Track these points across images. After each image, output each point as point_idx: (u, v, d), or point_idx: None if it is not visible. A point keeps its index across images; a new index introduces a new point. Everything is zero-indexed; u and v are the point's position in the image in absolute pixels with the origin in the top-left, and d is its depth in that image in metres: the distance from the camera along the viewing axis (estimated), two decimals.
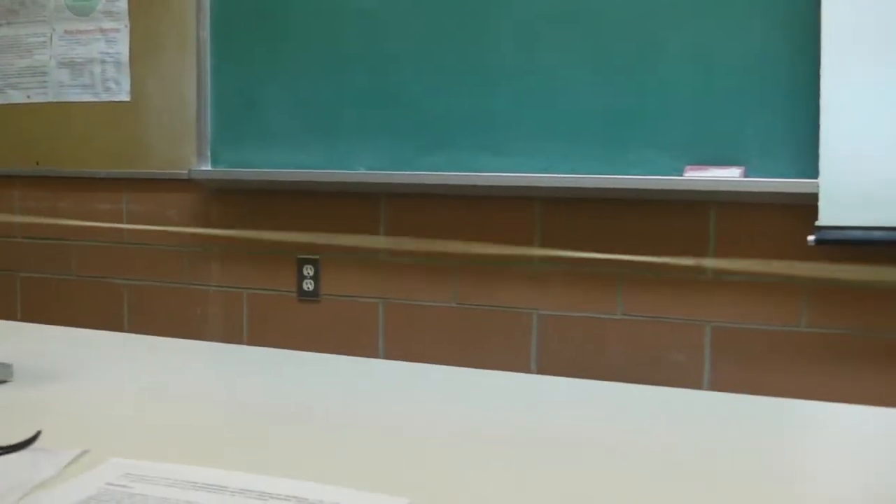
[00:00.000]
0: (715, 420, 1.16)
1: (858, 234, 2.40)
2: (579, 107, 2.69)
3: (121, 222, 3.35)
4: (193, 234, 3.27)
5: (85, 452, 0.96)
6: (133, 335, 1.68)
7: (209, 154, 3.14)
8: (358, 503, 0.84)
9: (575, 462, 0.98)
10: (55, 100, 3.38)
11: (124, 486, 0.87)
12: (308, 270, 3.14)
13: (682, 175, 2.58)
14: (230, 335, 3.24)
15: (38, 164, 3.43)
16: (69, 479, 0.89)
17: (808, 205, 2.43)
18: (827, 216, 2.41)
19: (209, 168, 3.15)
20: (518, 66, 2.75)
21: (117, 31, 3.27)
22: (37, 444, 0.98)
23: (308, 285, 3.15)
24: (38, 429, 1.01)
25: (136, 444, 1.01)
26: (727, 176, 2.53)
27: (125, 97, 3.29)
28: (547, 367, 2.86)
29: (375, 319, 3.07)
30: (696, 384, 2.71)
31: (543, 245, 2.83)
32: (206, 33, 3.11)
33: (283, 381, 1.35)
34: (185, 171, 3.18)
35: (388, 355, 3.05)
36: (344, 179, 2.96)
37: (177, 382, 1.33)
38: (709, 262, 2.67)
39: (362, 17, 2.92)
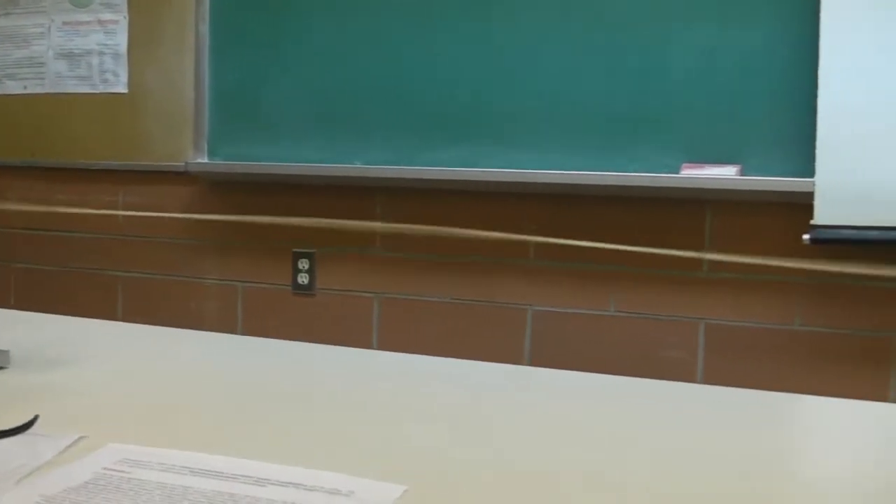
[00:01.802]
0: (707, 412, 1.17)
1: (853, 233, 2.41)
2: (578, 104, 2.69)
3: (116, 214, 3.35)
4: (189, 227, 3.27)
5: (82, 438, 0.96)
6: (130, 324, 1.69)
7: (206, 147, 3.14)
8: (355, 489, 0.84)
9: (566, 451, 0.99)
10: (52, 91, 3.38)
11: (121, 472, 0.87)
12: (303, 264, 3.14)
13: (678, 173, 2.58)
14: (225, 328, 3.24)
15: (33, 155, 3.43)
16: (66, 464, 0.89)
17: (803, 203, 2.44)
18: (822, 215, 2.42)
19: (206, 161, 3.15)
20: (518, 63, 2.75)
21: (116, 22, 3.27)
22: (34, 428, 0.99)
23: (303, 279, 3.15)
24: (36, 414, 1.01)
25: (134, 430, 1.01)
26: (723, 174, 2.54)
27: (122, 89, 3.29)
28: (540, 362, 2.86)
29: (370, 314, 3.07)
30: (689, 381, 2.72)
31: (539, 241, 2.84)
32: (206, 27, 3.11)
33: (280, 369, 1.35)
34: (182, 164, 3.18)
35: (383, 349, 3.05)
36: (341, 174, 2.96)
37: (174, 370, 1.33)
38: (704, 260, 2.68)
39: (362, 11, 2.92)
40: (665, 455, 0.99)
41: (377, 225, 3.04)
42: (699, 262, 2.68)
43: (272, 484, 0.84)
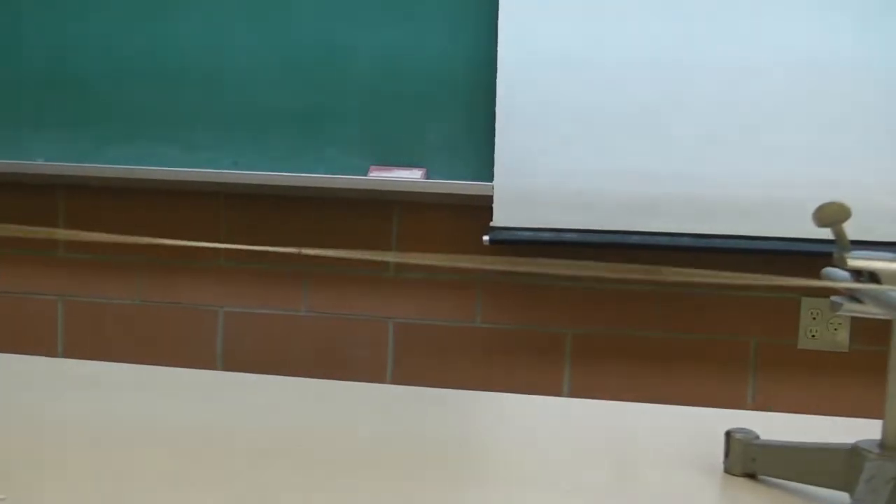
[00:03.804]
0: (400, 411, 1.20)
1: (528, 234, 2.54)
2: (267, 104, 2.68)
3: None
4: None
5: None
6: None
7: None
8: None
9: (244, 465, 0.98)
10: None
11: None
12: None
13: (366, 175, 2.63)
14: None
15: None
16: None
17: (484, 206, 2.55)
18: (500, 217, 2.55)
19: None
20: (205, 61, 2.70)
21: None
22: None
23: None
24: None
25: None
26: (409, 177, 2.61)
27: None
28: (232, 365, 2.83)
29: (54, 317, 2.92)
30: (379, 379, 2.78)
31: (229, 241, 2.80)
32: None
33: None
34: None
35: (67, 354, 2.92)
36: (18, 171, 2.79)
37: None
38: (391, 260, 2.74)
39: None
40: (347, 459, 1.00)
41: (59, 233, 2.89)
42: (386, 263, 2.74)
43: None
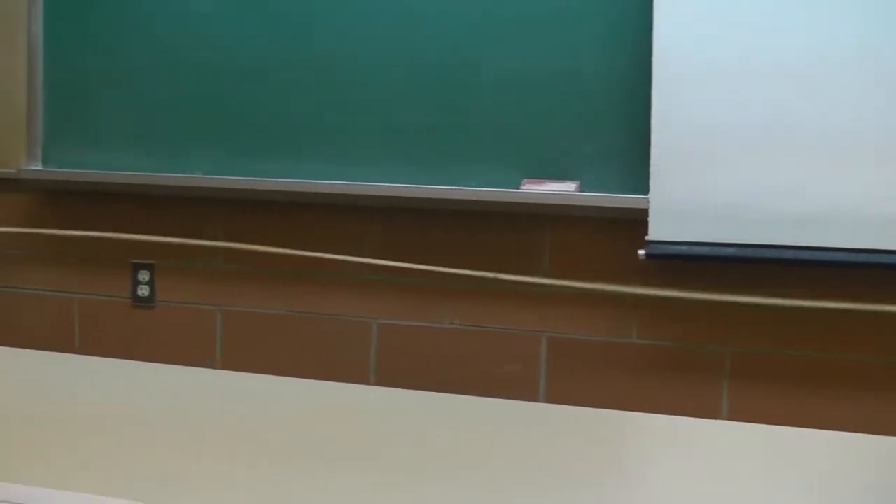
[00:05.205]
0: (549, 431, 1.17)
1: (685, 249, 2.47)
2: (418, 119, 2.69)
3: None
4: (21, 236, 3.13)
5: None
6: None
7: (40, 153, 3.02)
8: None
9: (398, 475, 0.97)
10: None
11: None
12: (143, 276, 3.05)
13: (518, 188, 2.61)
14: (61, 341, 3.12)
15: None
16: None
17: (638, 220, 2.49)
18: (656, 231, 2.48)
19: (40, 168, 3.02)
20: (355, 78, 2.74)
21: None
22: None
23: (143, 291, 3.05)
24: None
25: None
26: (562, 190, 2.57)
27: None
28: (385, 377, 2.84)
29: (213, 327, 3.00)
30: (531, 394, 2.74)
31: (377, 254, 2.82)
32: (39, 27, 2.99)
33: (116, 393, 1.29)
34: (14, 171, 3.04)
35: (225, 364, 2.99)
36: (180, 184, 2.88)
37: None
38: (543, 274, 2.70)
39: (198, 19, 2.86)
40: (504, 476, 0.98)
41: (217, 245, 2.96)
42: (538, 275, 2.70)
43: None
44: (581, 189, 2.58)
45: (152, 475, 0.95)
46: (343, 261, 2.81)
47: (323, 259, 2.84)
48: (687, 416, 1.29)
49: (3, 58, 3.07)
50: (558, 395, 2.71)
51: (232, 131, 2.85)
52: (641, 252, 2.47)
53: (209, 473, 0.97)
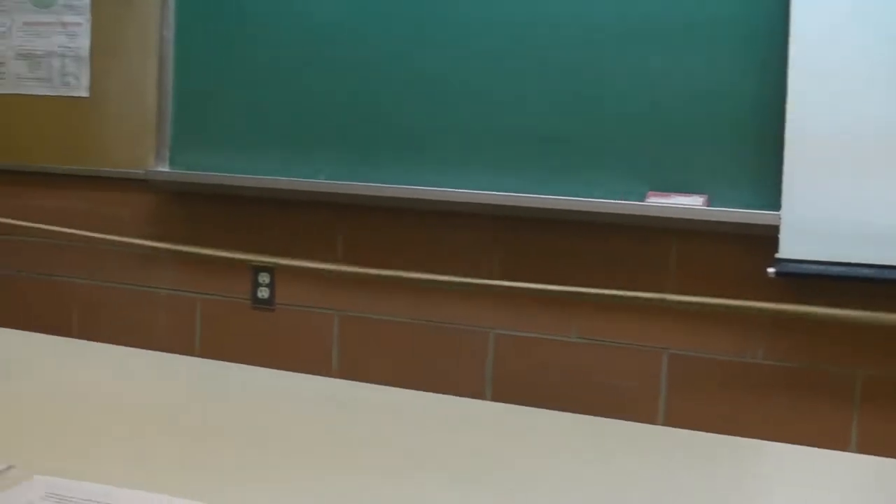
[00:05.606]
0: (666, 455, 1.13)
1: (818, 268, 2.39)
2: (542, 129, 2.67)
3: (73, 220, 3.27)
4: (148, 237, 3.20)
5: (10, 468, 0.91)
6: (77, 341, 1.63)
7: (167, 155, 3.09)
8: None
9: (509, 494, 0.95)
10: (12, 92, 3.30)
11: None
12: (263, 278, 3.09)
13: (644, 201, 2.56)
14: (183, 340, 3.18)
15: None
16: None
17: (768, 236, 2.42)
18: (787, 249, 2.41)
19: (167, 169, 3.09)
20: (484, 86, 2.73)
21: (79, 24, 3.20)
22: None
23: (263, 293, 3.09)
24: None
25: (63, 460, 0.96)
26: (690, 203, 2.52)
27: (84, 93, 3.22)
28: (501, 388, 2.82)
29: (330, 331, 3.02)
30: (651, 411, 2.69)
31: (501, 264, 2.80)
32: (170, 33, 3.05)
33: (232, 400, 1.30)
34: (142, 171, 3.12)
35: (341, 368, 3.01)
36: (303, 188, 2.91)
37: (116, 395, 1.28)
38: (669, 289, 2.65)
39: (328, 25, 2.88)
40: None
41: (338, 250, 2.99)
42: (662, 290, 2.65)
43: None
44: (709, 203, 2.52)
45: (253, 483, 0.95)
46: (462, 282, 2.81)
47: (447, 266, 2.84)
48: (812, 441, 1.23)
49: (135, 62, 3.15)
50: (678, 413, 2.66)
51: (355, 137, 2.87)
52: (771, 270, 2.40)
53: (316, 483, 0.96)
